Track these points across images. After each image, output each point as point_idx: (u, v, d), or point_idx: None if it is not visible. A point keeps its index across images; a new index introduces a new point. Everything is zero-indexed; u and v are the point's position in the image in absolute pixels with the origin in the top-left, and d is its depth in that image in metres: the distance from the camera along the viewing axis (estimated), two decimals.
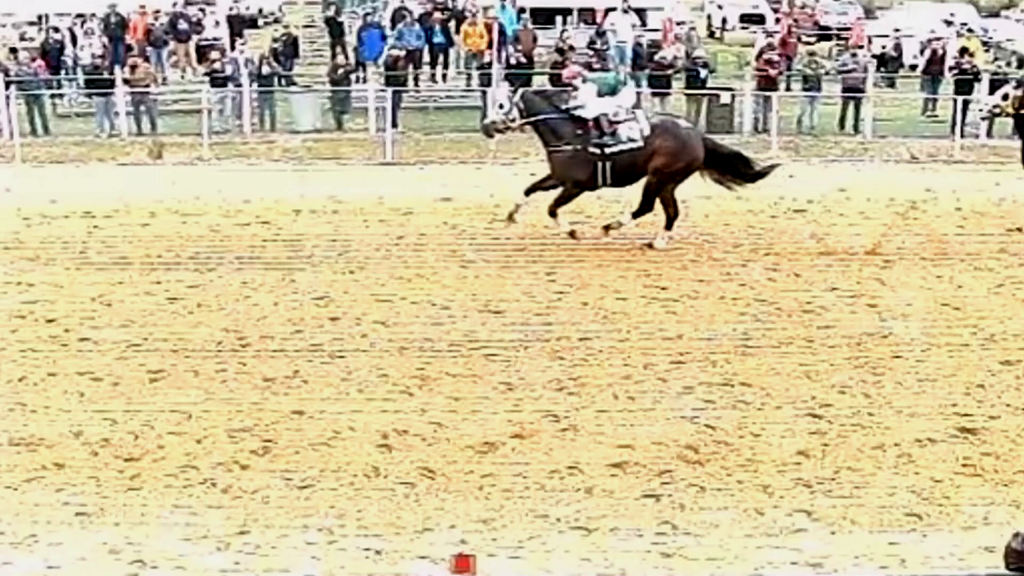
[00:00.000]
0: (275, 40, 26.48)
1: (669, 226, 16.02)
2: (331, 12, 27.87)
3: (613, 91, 16.11)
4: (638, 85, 25.08)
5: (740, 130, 23.76)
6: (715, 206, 17.73)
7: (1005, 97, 17.15)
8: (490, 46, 25.16)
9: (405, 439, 10.53)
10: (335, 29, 27.39)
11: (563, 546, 8.84)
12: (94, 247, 16.20)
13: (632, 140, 15.72)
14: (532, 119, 16.02)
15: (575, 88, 16.25)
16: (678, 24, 28.88)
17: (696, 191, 17.84)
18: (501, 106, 16.24)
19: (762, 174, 16.34)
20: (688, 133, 16.37)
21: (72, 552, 8.68)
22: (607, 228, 16.17)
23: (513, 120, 16.08)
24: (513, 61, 25.04)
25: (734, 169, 16.24)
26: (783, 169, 17.76)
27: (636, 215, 16.11)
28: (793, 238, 16.49)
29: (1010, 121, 21.24)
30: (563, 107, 16.09)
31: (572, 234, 16.03)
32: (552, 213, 16.05)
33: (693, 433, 10.64)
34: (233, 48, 26.23)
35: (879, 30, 30.71)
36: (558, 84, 24.59)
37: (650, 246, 15.90)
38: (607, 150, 15.70)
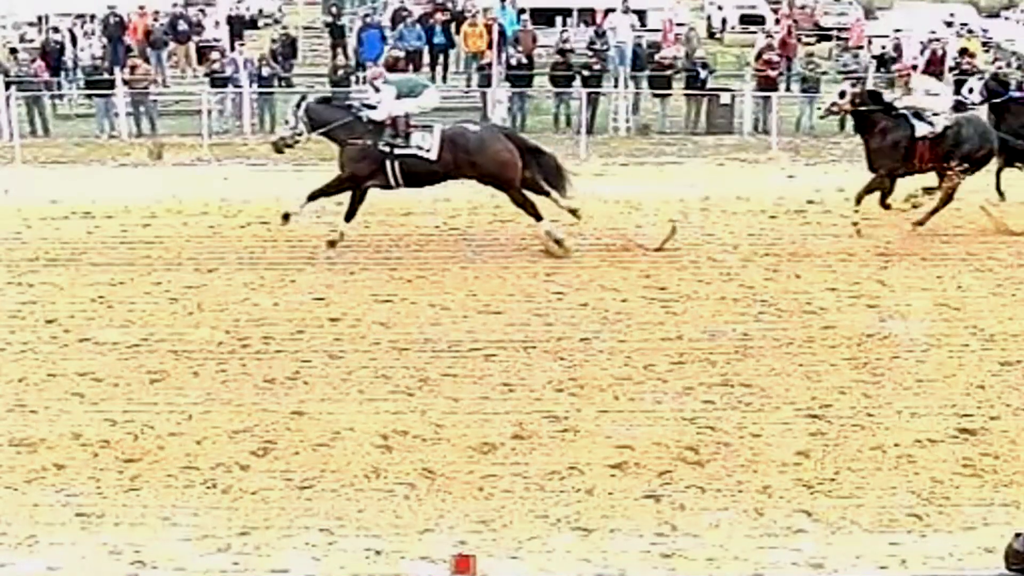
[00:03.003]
0: (273, 41, 26.48)
1: (538, 219, 15.86)
2: (332, 16, 27.85)
3: (412, 93, 16.09)
4: (637, 86, 25.16)
5: (740, 131, 23.76)
6: (715, 206, 17.75)
7: (842, 95, 17.10)
8: (490, 47, 25.16)
9: (405, 440, 10.53)
10: (336, 31, 27.41)
11: (563, 546, 8.85)
12: (94, 247, 16.19)
13: (421, 148, 15.68)
14: (322, 129, 15.97)
15: (376, 89, 16.29)
16: (678, 25, 28.87)
17: (696, 191, 17.88)
18: (287, 121, 16.31)
19: (564, 176, 16.11)
20: (480, 137, 16.08)
21: (72, 553, 8.69)
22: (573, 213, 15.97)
23: (300, 134, 16.04)
24: (513, 62, 25.04)
25: (547, 168, 16.02)
26: (783, 170, 17.76)
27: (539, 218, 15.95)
28: (791, 239, 16.50)
29: None
30: (353, 108, 16.10)
31: (332, 244, 15.88)
32: (348, 218, 15.95)
33: (693, 434, 10.65)
34: (233, 49, 26.23)
35: (879, 30, 30.70)
36: (558, 84, 24.72)
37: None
38: (396, 151, 15.66)
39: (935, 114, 16.75)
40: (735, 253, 15.94)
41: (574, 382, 11.81)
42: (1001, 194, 17.25)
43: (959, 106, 18.82)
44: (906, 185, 16.80)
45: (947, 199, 16.68)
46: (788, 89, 25.21)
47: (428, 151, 15.70)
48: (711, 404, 11.32)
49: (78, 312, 13.73)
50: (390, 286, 14.67)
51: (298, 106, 16.16)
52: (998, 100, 18.95)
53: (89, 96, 24.40)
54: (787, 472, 9.95)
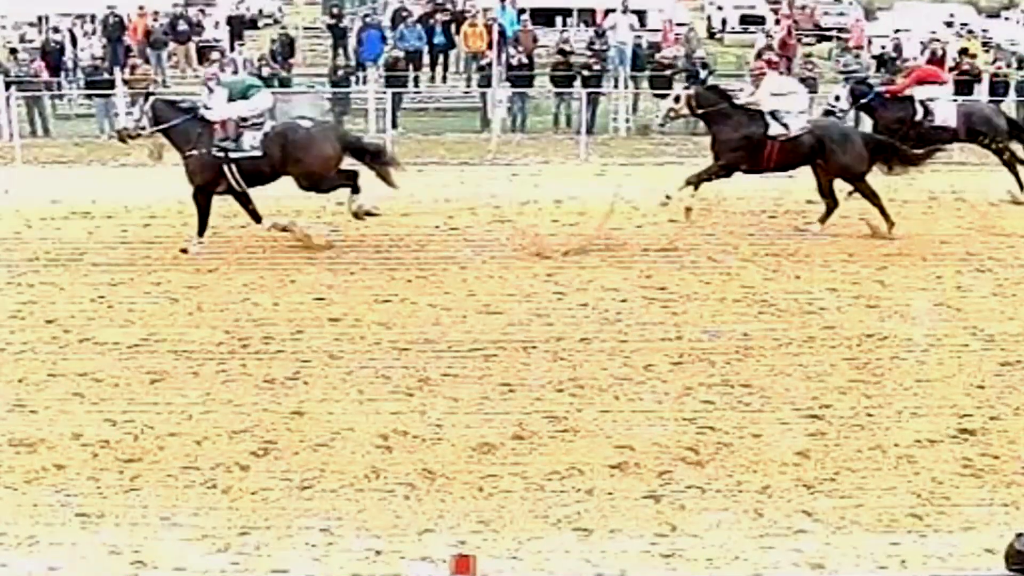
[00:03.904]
0: (273, 41, 26.49)
1: (355, 191, 15.96)
2: (333, 18, 27.86)
3: (244, 95, 16.08)
4: (637, 86, 25.16)
5: None
6: (715, 206, 17.73)
7: (677, 99, 17.17)
8: (490, 47, 25.16)
9: (405, 440, 10.53)
10: (337, 32, 27.42)
11: (563, 547, 8.84)
12: (94, 248, 16.20)
13: (254, 148, 15.72)
14: (161, 127, 16.05)
15: (210, 90, 16.35)
16: (678, 25, 28.88)
17: (695, 192, 17.85)
18: (129, 113, 16.56)
19: (395, 165, 16.26)
20: (309, 134, 16.09)
21: (72, 553, 8.68)
22: (369, 214, 16.03)
23: (144, 128, 16.16)
24: (514, 62, 25.04)
25: (374, 163, 16.11)
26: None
27: (354, 191, 15.98)
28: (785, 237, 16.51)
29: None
30: (193, 110, 16.11)
31: (183, 252, 15.89)
32: (201, 231, 15.95)
33: (693, 434, 10.64)
34: (233, 49, 26.23)
35: (879, 31, 30.70)
36: (559, 84, 24.73)
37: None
38: (230, 154, 15.69)
39: (794, 115, 16.65)
40: (735, 253, 15.94)
41: (574, 382, 11.81)
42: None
43: (828, 114, 19.01)
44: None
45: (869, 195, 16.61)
46: None
47: (257, 148, 15.75)
48: (711, 404, 11.31)
49: (78, 312, 13.73)
50: (390, 286, 14.67)
51: (145, 100, 16.41)
52: (865, 101, 19.08)
53: (89, 96, 24.40)
54: (787, 472, 9.95)
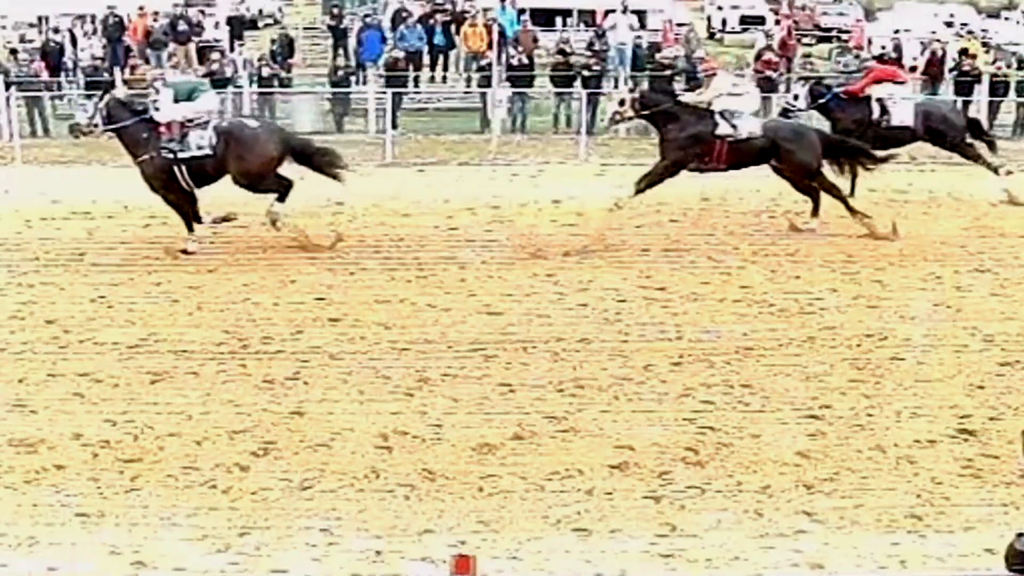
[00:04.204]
0: (272, 41, 26.49)
1: (280, 199, 15.91)
2: (334, 19, 27.86)
3: (190, 97, 16.10)
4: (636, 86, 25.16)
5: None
6: (714, 206, 17.74)
7: (622, 103, 17.15)
8: (490, 47, 25.17)
9: (405, 440, 10.53)
10: (337, 32, 27.43)
11: (563, 547, 8.84)
12: (94, 248, 16.20)
13: (200, 147, 15.73)
14: (112, 127, 16.12)
15: (156, 91, 16.41)
16: (678, 25, 28.89)
17: (695, 192, 17.87)
18: (85, 109, 16.52)
19: (342, 166, 16.25)
20: (256, 133, 16.17)
21: (72, 553, 8.68)
22: (273, 222, 16.02)
23: (96, 125, 16.23)
24: (514, 62, 25.04)
25: (320, 164, 16.16)
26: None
27: (280, 199, 15.92)
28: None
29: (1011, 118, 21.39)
30: (145, 112, 16.12)
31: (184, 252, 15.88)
32: (190, 228, 15.98)
33: (693, 434, 10.64)
34: (233, 49, 26.24)
35: (879, 31, 30.70)
36: (559, 84, 24.73)
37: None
38: (179, 155, 15.71)
39: (746, 115, 16.63)
40: (735, 253, 15.94)
41: (574, 382, 11.81)
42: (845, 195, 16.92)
43: (786, 112, 19.02)
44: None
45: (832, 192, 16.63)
46: (788, 90, 25.17)
47: (204, 147, 15.76)
48: (711, 404, 11.31)
49: (78, 312, 13.72)
50: (390, 286, 14.67)
51: (101, 98, 16.44)
52: (823, 101, 19.08)
53: (89, 96, 24.38)
54: (787, 472, 9.94)
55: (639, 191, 16.51)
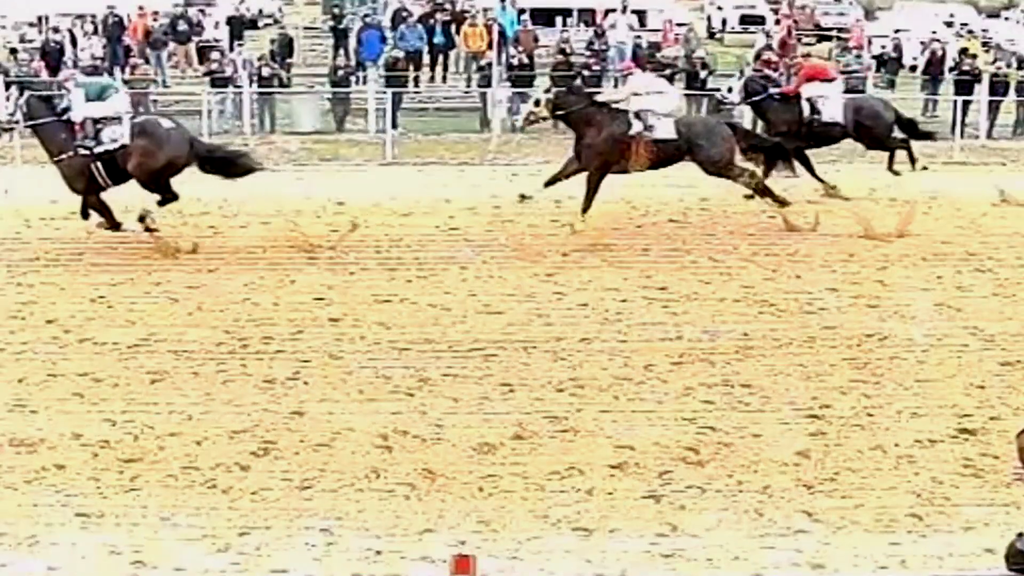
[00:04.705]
0: (272, 41, 26.48)
1: (161, 204, 16.03)
2: (334, 19, 27.84)
3: (100, 96, 16.14)
4: None
5: None
6: (714, 206, 17.74)
7: (537, 103, 17.21)
8: (490, 47, 25.15)
9: (405, 440, 10.53)
10: (337, 32, 27.42)
11: (563, 547, 8.85)
12: (94, 248, 16.19)
13: (115, 141, 15.80)
14: (32, 123, 16.23)
15: (68, 91, 16.45)
16: (678, 25, 28.87)
17: (696, 191, 17.86)
18: (7, 108, 16.57)
19: (251, 169, 16.42)
20: (168, 133, 16.24)
21: (72, 553, 8.69)
22: (141, 219, 15.99)
23: (17, 122, 16.41)
24: (514, 62, 25.03)
25: (224, 167, 16.32)
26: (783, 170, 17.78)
27: (161, 203, 16.06)
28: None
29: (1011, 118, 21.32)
30: (65, 111, 16.13)
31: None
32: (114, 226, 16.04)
33: (693, 434, 10.65)
34: (232, 49, 26.22)
35: (879, 31, 30.69)
36: (560, 85, 24.69)
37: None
38: (94, 150, 15.77)
39: (662, 115, 16.61)
40: (735, 253, 15.94)
41: (574, 382, 11.81)
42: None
43: (719, 104, 19.00)
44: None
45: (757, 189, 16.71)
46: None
47: (118, 141, 15.82)
48: (711, 404, 11.32)
49: (78, 312, 13.72)
50: (390, 286, 14.67)
51: (20, 94, 16.56)
52: (758, 98, 19.06)
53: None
54: (787, 472, 9.95)
55: (547, 187, 16.63)
